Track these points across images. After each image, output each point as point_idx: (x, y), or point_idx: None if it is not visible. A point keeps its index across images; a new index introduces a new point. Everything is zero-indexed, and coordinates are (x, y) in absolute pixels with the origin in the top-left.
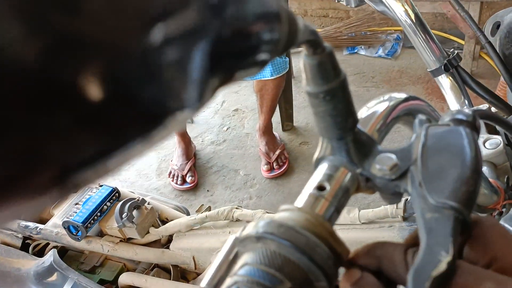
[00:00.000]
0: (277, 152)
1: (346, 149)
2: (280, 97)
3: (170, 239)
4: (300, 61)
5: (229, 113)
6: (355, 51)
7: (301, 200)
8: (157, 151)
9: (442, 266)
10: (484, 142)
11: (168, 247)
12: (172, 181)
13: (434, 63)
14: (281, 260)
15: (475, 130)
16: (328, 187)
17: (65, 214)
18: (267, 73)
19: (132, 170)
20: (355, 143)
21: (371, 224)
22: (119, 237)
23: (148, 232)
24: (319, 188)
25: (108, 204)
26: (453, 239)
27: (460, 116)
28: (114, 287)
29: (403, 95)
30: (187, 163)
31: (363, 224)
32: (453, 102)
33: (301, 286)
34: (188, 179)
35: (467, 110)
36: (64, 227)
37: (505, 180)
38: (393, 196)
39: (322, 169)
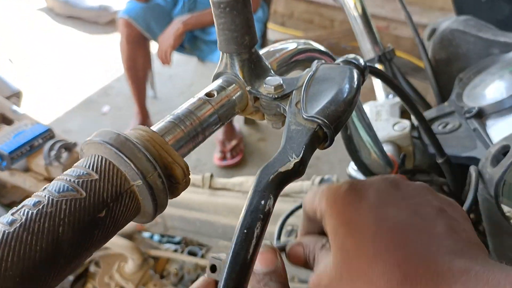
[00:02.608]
0: (233, 143)
1: (241, 66)
2: None
3: None
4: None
5: None
6: None
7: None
8: (113, 121)
9: (290, 165)
10: (393, 125)
11: None
12: None
13: (370, 53)
14: (95, 159)
15: (362, 74)
16: (216, 95)
17: None
18: None
19: (82, 134)
20: (250, 63)
21: (286, 197)
22: (44, 175)
23: None
24: (207, 94)
25: (40, 141)
26: (305, 147)
27: (351, 60)
28: None
29: (319, 47)
30: None
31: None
32: (380, 92)
33: (117, 182)
34: None
35: (360, 59)
36: None
37: (400, 156)
38: (275, 117)
39: (217, 82)
